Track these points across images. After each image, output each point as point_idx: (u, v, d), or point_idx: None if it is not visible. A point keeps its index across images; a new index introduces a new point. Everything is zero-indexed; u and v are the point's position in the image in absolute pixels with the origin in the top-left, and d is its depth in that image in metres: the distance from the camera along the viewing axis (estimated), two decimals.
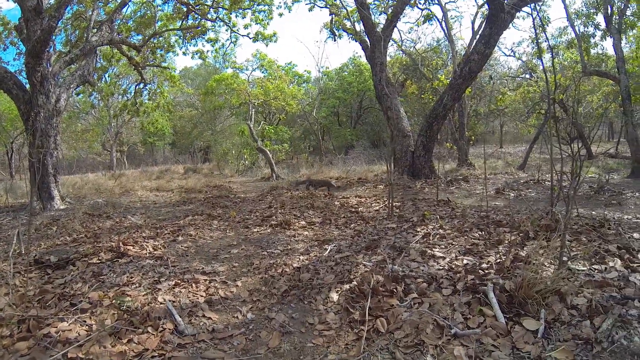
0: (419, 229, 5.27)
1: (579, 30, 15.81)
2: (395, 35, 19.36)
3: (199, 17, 15.67)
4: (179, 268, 4.46)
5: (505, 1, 10.49)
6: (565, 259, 3.71)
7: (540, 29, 18.17)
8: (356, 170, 15.96)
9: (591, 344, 2.59)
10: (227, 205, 9.21)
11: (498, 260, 3.91)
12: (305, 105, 24.87)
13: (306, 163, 22.32)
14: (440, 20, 17.00)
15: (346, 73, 28.30)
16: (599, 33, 16.02)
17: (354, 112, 27.05)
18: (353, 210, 7.51)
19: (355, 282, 3.51)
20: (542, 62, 13.00)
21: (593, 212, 6.38)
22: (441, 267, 3.87)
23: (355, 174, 14.43)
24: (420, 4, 16.45)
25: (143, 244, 5.49)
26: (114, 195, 11.98)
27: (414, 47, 21.47)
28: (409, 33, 20.49)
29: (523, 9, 14.14)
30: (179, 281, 3.97)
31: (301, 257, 4.64)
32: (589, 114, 23.31)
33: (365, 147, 23.52)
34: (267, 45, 25.20)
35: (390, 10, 14.52)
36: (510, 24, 12.12)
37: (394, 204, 7.60)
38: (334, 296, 3.40)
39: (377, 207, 7.73)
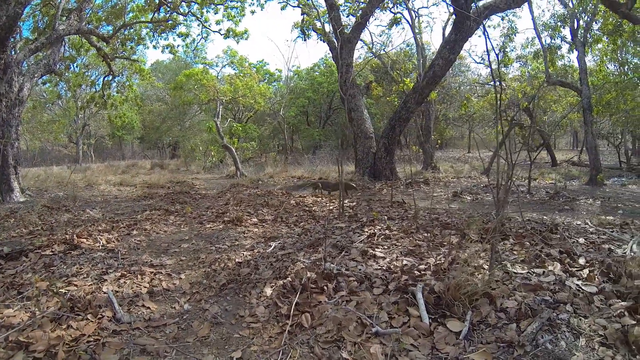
0: (366, 229, 5.44)
1: (545, 42, 16.39)
2: (367, 37, 19.65)
3: (171, 10, 15.58)
4: (128, 261, 4.60)
5: (472, 9, 10.80)
6: (502, 261, 3.91)
7: (508, 38, 18.90)
8: (322, 170, 16.18)
9: (513, 347, 2.64)
10: (186, 201, 9.31)
11: (437, 262, 4.00)
12: (274, 103, 24.99)
13: (274, 162, 22.45)
14: (411, 25, 17.30)
15: (317, 73, 28.50)
16: (566, 46, 16.60)
17: (323, 112, 27.30)
18: (307, 209, 7.71)
19: (289, 278, 3.65)
20: (490, 70, 13.40)
21: (545, 217, 6.64)
22: (379, 267, 3.97)
23: (320, 174, 14.63)
24: (390, 7, 16.72)
25: (97, 237, 5.58)
26: (77, 189, 11.92)
27: (384, 50, 21.80)
28: (380, 36, 20.71)
29: (493, 18, 14.62)
30: (125, 273, 4.12)
31: (245, 253, 4.81)
32: (553, 123, 24.13)
33: (332, 147, 23.77)
34: (238, 43, 25.29)
35: (360, 13, 14.76)
36: (482, 32, 12.45)
37: (349, 204, 7.85)
38: (268, 291, 3.55)
39: (332, 207, 7.93)
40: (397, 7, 16.79)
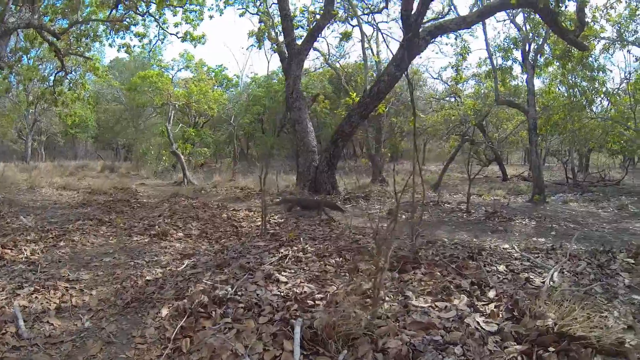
0: (282, 250, 5.55)
1: (496, 62, 17.20)
2: (324, 48, 20.01)
3: (128, 9, 15.45)
4: (46, 274, 4.75)
5: (421, 28, 11.15)
6: (404, 294, 3.87)
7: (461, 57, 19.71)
8: (272, 180, 16.31)
9: None
10: (123, 210, 9.37)
11: (335, 292, 3.93)
12: (229, 109, 25.11)
13: (227, 168, 22.52)
14: (361, 40, 17.69)
15: (275, 81, 28.75)
16: (518, 67, 17.42)
17: (278, 120, 27.56)
18: (235, 224, 7.89)
19: (185, 300, 3.78)
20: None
21: (475, 239, 6.84)
22: (277, 293, 3.96)
23: (268, 185, 14.68)
24: (347, 20, 17.01)
25: (23, 248, 5.69)
26: (19, 192, 11.85)
27: (338, 63, 22.21)
28: (337, 48, 21.10)
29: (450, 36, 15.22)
30: (39, 287, 4.27)
31: (158, 270, 4.99)
32: (503, 140, 25.22)
33: (287, 156, 24.04)
34: (195, 47, 25.13)
35: (312, 26, 15.05)
36: (438, 50, 12.95)
37: (277, 220, 8.14)
38: (164, 312, 3.70)
39: (260, 223, 8.12)
40: (349, 20, 17.12)
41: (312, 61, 31.36)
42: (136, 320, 3.69)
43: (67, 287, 4.42)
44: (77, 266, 5.21)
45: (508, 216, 9.17)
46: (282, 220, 8.27)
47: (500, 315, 3.49)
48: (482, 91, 22.34)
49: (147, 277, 4.73)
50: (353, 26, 17.15)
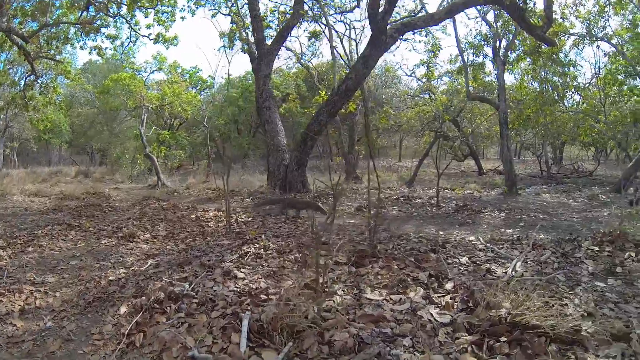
0: (245, 248, 5.70)
1: (468, 59, 17.66)
2: (298, 48, 20.18)
3: (99, 10, 15.39)
4: (13, 279, 4.87)
5: (388, 25, 11.33)
6: (359, 287, 3.96)
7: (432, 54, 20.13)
8: (247, 180, 16.44)
9: None
10: (94, 214, 9.46)
11: (290, 287, 3.96)
12: (203, 111, 25.15)
13: (203, 170, 22.54)
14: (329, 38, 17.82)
15: (250, 81, 28.82)
16: (490, 64, 17.86)
17: (253, 120, 27.66)
18: (203, 224, 8.03)
19: (144, 298, 3.92)
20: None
21: (441, 232, 7.00)
22: (233, 289, 4.07)
23: (243, 185, 14.86)
24: (317, 20, 17.11)
25: None
26: None
27: (311, 62, 22.40)
28: (309, 48, 21.23)
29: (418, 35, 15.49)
30: (4, 291, 4.38)
31: (122, 271, 5.13)
32: (470, 133, 25.78)
33: (262, 156, 24.14)
34: (167, 48, 25.19)
35: (282, 26, 15.20)
36: (412, 48, 13.15)
37: (244, 219, 8.32)
38: (123, 309, 3.84)
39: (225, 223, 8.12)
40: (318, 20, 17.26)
41: (284, 61, 31.55)
42: (96, 319, 3.84)
43: (32, 290, 4.54)
44: (43, 270, 5.33)
45: (477, 209, 9.36)
46: (250, 219, 8.43)
47: (455, 307, 3.55)
48: (455, 87, 22.81)
49: (110, 278, 4.86)
50: (325, 25, 17.40)
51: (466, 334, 3.07)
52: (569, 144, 24.71)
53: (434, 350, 2.89)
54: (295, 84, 26.87)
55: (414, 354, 2.83)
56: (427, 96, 25.49)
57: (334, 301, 3.63)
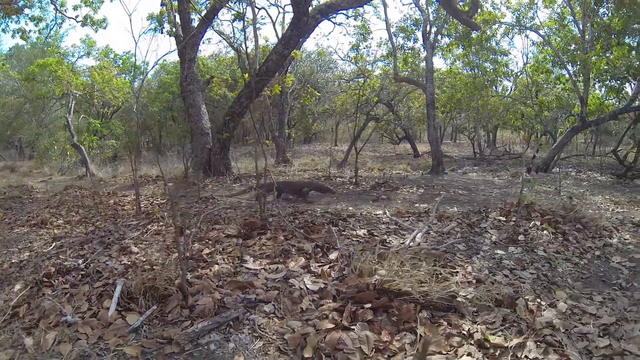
0: (149, 226, 5.88)
1: (398, 42, 18.42)
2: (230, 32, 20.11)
3: None
4: None
5: (310, 7, 11.46)
6: (242, 256, 4.10)
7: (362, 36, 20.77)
8: (178, 168, 16.34)
9: (170, 344, 2.75)
10: (11, 206, 9.44)
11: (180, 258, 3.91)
12: (137, 97, 24.69)
13: (138, 160, 22.17)
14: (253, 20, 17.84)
15: None
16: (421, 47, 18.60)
17: (187, 107, 27.44)
18: (119, 208, 8.10)
19: (37, 274, 4.08)
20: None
21: (350, 208, 6.97)
22: (125, 262, 4.24)
23: (172, 172, 14.80)
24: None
25: None
26: None
27: (244, 46, 22.37)
28: (240, 31, 21.07)
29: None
30: None
31: (27, 254, 5.28)
32: (413, 118, 26.83)
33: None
34: (96, 31, 24.46)
35: (206, 9, 15.14)
36: (346, 32, 13.33)
37: (159, 202, 8.55)
38: (17, 286, 4.02)
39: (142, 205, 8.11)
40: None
41: (215, 45, 31.14)
42: None
43: None
44: None
45: (395, 186, 9.64)
46: (164, 201, 8.61)
47: (332, 275, 3.67)
48: (389, 71, 23.58)
49: (13, 260, 5.06)
50: (259, 8, 17.28)
51: (331, 301, 3.21)
52: (502, 127, 26.09)
53: (294, 317, 3.04)
54: (231, 69, 26.75)
55: (273, 319, 3.00)
56: (361, 80, 26.16)
57: (210, 269, 3.85)
